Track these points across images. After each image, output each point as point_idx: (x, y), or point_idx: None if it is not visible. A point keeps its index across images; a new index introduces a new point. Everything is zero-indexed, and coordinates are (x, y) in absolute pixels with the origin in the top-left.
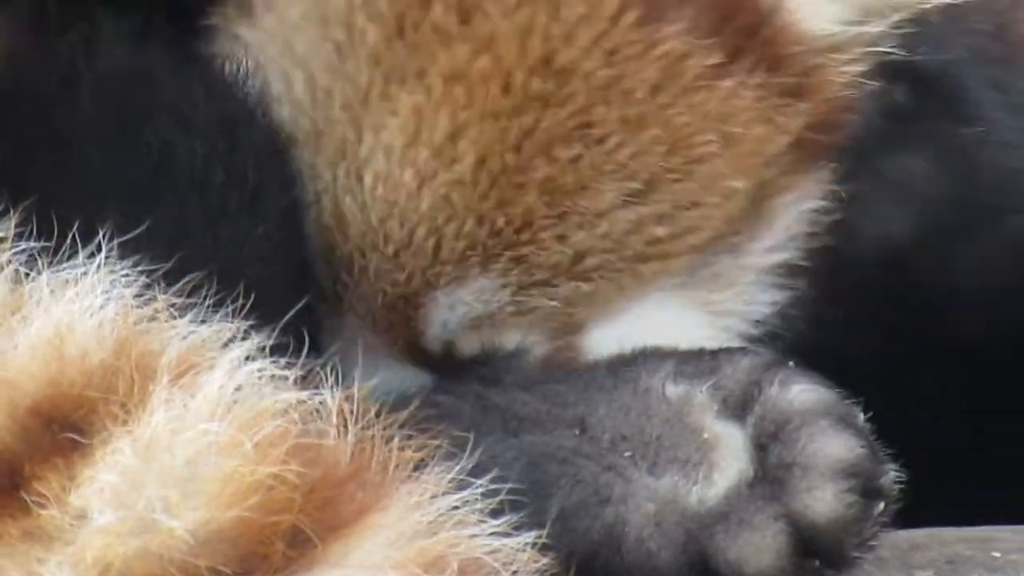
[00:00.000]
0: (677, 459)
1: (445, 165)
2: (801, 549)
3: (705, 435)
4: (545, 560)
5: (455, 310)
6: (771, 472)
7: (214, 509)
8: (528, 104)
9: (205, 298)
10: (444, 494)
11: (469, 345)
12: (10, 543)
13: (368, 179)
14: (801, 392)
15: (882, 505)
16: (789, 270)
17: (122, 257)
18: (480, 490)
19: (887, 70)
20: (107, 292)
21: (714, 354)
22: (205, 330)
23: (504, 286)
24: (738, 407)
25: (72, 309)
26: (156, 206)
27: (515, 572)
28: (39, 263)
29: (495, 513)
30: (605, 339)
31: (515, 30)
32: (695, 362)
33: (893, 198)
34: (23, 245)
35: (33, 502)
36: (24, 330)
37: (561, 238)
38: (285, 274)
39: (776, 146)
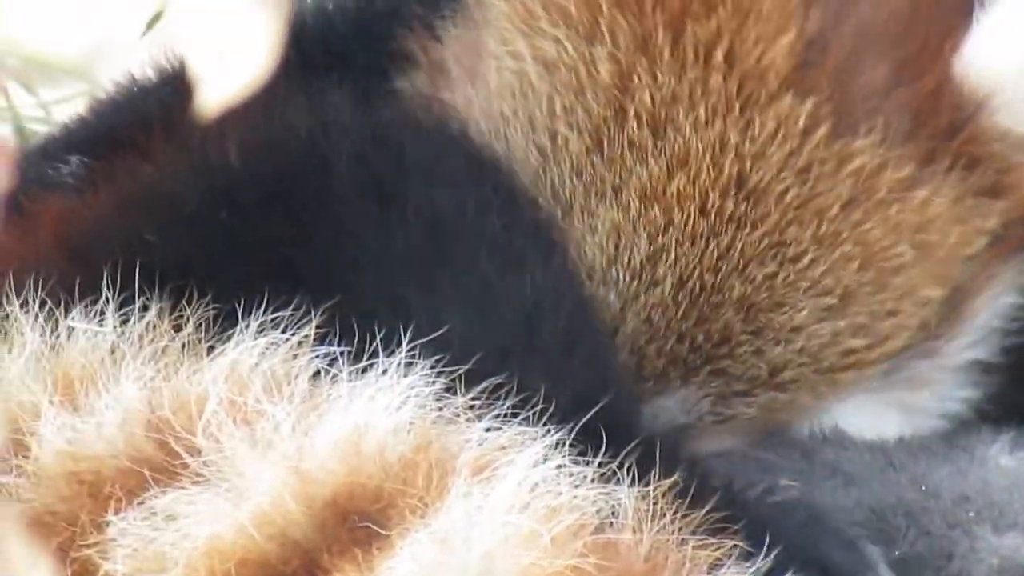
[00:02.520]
0: (1018, 523)
1: (645, 288)
2: None
3: None
4: None
5: (658, 418)
6: None
7: None
8: (724, 225)
9: (505, 397)
10: None
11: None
12: None
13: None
14: None
15: None
16: (984, 367)
17: (423, 356)
18: None
19: None
20: (407, 392)
21: None
22: (505, 431)
23: (704, 396)
24: None
25: (371, 407)
26: (451, 301)
27: None
28: (340, 362)
29: None
30: None
31: (708, 147)
32: None
33: None
34: (324, 348)
35: None
36: (323, 427)
37: (758, 353)
38: (585, 365)
39: (972, 248)
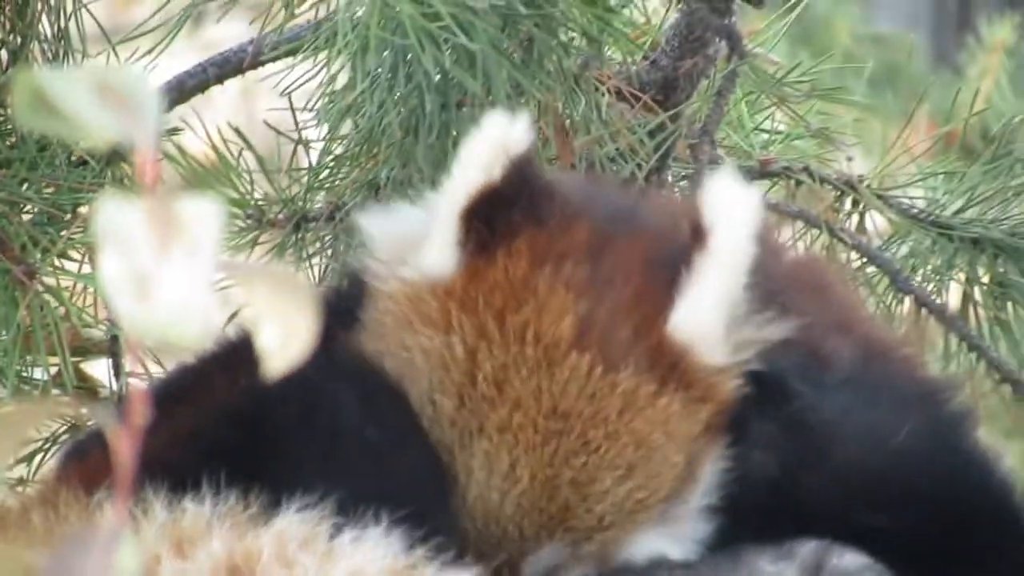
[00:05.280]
0: None
1: (513, 485)
2: None
3: None
4: None
5: (537, 564)
6: None
7: None
8: (549, 437)
9: (447, 550)
10: None
11: None
12: None
13: (470, 500)
14: (855, 558)
15: None
16: (712, 508)
17: (395, 525)
18: None
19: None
20: (385, 548)
21: (792, 544)
22: (446, 571)
23: (564, 546)
24: (813, 575)
25: (365, 558)
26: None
27: None
28: (342, 528)
29: None
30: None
31: (530, 393)
32: (781, 549)
33: (764, 450)
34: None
35: None
36: (333, 570)
37: (589, 511)
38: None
39: (696, 431)
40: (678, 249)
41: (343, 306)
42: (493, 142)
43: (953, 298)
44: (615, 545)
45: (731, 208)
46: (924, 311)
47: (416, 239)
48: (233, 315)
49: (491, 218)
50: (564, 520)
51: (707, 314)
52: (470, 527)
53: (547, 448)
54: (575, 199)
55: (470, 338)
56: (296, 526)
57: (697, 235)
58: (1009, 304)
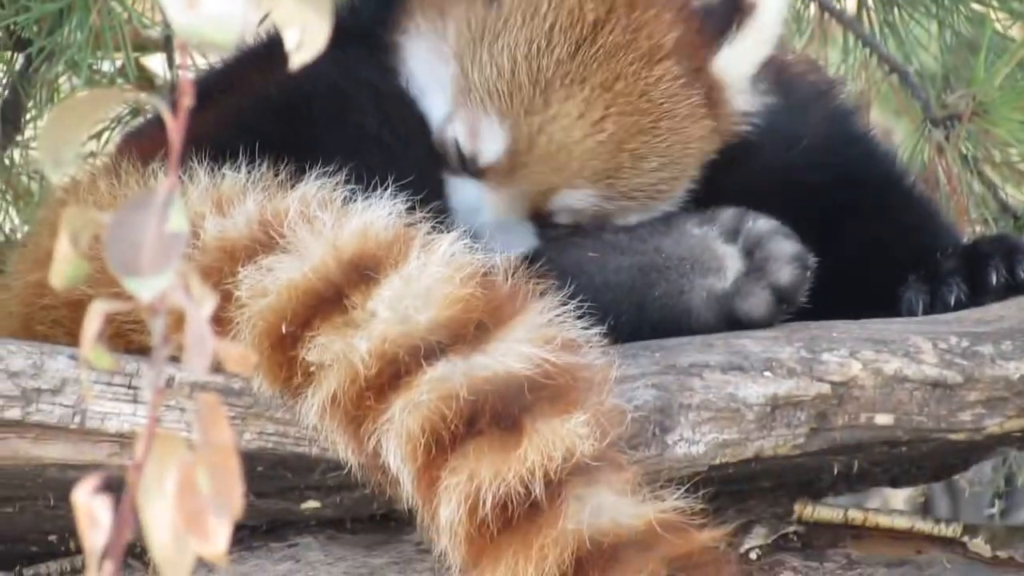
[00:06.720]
0: (710, 268)
1: (598, 132)
2: (777, 301)
3: (719, 252)
4: (604, 340)
5: (565, 199)
6: (756, 264)
7: (439, 311)
8: (635, 111)
9: (439, 217)
10: (554, 307)
11: (567, 218)
12: (336, 327)
13: (547, 131)
14: (766, 223)
15: (810, 273)
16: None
17: (397, 193)
18: (571, 306)
19: None
20: (389, 209)
21: (714, 211)
22: (441, 230)
23: (594, 195)
24: (731, 236)
25: (373, 215)
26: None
27: (588, 344)
28: (355, 195)
29: (579, 318)
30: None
31: (634, 73)
32: (705, 215)
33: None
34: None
35: (348, 306)
36: (347, 224)
37: (628, 180)
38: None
39: (706, 157)
40: (721, 11)
41: (360, 25)
42: None
43: (851, 5)
44: (619, 215)
45: None
46: (827, 15)
47: None
48: (262, 19)
49: None
50: (612, 176)
51: (742, 66)
52: (533, 153)
53: (630, 118)
54: None
55: (601, 10)
56: (317, 190)
57: (746, 4)
58: (895, 9)
